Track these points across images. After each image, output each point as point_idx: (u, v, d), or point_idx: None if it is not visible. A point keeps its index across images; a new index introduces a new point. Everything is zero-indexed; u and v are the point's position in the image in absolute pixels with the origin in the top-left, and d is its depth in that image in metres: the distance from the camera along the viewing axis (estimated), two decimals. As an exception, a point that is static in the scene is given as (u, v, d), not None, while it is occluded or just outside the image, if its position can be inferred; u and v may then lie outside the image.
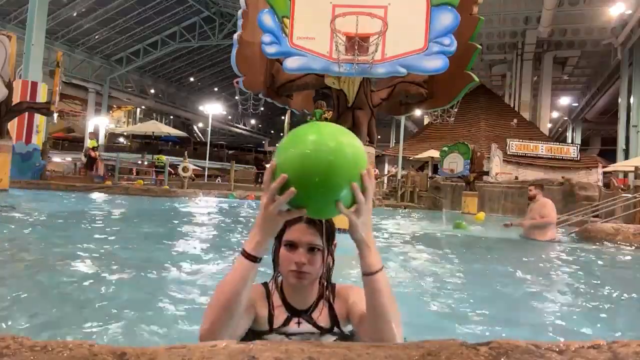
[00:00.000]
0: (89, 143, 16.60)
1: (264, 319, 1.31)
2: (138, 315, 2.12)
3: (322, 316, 1.33)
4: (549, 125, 38.19)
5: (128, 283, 2.78)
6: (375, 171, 14.72)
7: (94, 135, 18.87)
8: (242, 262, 1.08)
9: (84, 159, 17.12)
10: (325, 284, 1.36)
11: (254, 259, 1.08)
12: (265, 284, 1.40)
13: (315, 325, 1.31)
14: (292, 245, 1.27)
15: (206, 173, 26.00)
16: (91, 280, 2.72)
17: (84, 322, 1.94)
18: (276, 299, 1.35)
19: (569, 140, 42.68)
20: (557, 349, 0.82)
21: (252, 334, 1.29)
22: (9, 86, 9.80)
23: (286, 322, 1.31)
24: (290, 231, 1.28)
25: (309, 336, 1.30)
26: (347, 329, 1.34)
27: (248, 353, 0.81)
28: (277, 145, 1.11)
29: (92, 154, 16.04)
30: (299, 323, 1.31)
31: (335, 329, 1.32)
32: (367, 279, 1.10)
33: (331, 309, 1.34)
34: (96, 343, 0.84)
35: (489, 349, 0.83)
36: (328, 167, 0.98)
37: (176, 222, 7.31)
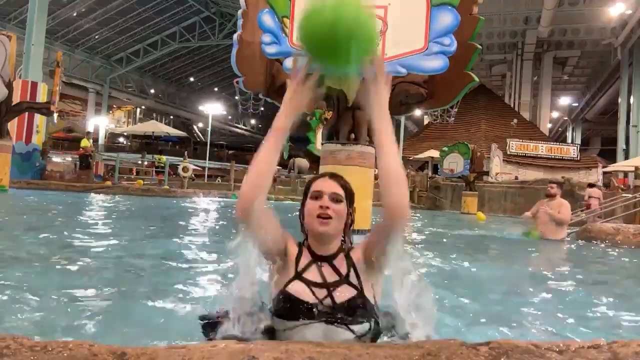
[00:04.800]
0: (83, 142, 16.09)
1: (292, 257, 1.45)
2: (138, 315, 2.12)
3: (342, 265, 1.43)
4: (549, 125, 38.21)
5: (128, 283, 2.78)
6: (375, 171, 14.72)
7: (89, 134, 18.43)
8: (274, 134, 1.39)
9: (69, 159, 16.55)
10: (345, 239, 1.49)
11: (284, 129, 1.39)
12: (300, 244, 1.53)
13: (335, 269, 1.42)
14: (318, 196, 1.44)
15: (206, 173, 26.00)
16: (91, 280, 2.72)
17: (84, 322, 1.94)
18: (304, 251, 1.48)
19: (569, 140, 42.71)
20: (557, 349, 0.82)
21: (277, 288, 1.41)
22: (9, 86, 9.80)
23: (309, 265, 1.43)
24: (315, 184, 1.48)
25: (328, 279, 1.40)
26: (365, 274, 1.43)
27: (248, 353, 0.81)
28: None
29: (87, 152, 15.65)
30: (321, 266, 1.42)
31: (352, 273, 1.41)
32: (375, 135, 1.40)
33: (348, 258, 1.46)
34: (96, 343, 0.84)
35: (489, 349, 0.83)
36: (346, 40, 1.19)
37: (176, 222, 7.31)
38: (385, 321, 1.38)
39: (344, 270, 1.41)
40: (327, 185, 1.46)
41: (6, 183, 10.00)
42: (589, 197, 12.30)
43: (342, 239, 1.49)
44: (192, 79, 42.49)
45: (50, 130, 28.96)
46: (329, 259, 1.44)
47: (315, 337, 1.26)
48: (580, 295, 3.16)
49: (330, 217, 1.40)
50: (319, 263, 1.43)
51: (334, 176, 1.51)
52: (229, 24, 30.89)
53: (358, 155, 5.90)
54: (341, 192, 1.46)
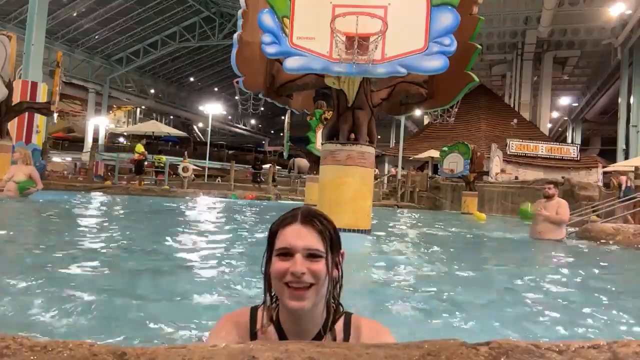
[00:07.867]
0: (138, 147, 17.40)
1: None
2: (138, 315, 2.12)
3: None
4: (549, 125, 38.18)
5: (128, 283, 2.78)
6: (375, 171, 14.76)
7: (142, 140, 19.91)
8: None
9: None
10: (333, 306, 1.09)
11: None
12: (254, 310, 1.12)
13: None
14: (287, 253, 1.01)
15: (206, 173, 25.99)
16: (91, 280, 2.73)
17: (84, 322, 1.94)
18: (268, 334, 1.07)
19: (569, 140, 42.67)
20: (557, 349, 0.82)
21: None
22: (9, 86, 9.79)
23: None
24: (282, 235, 1.03)
25: None
26: None
27: (248, 353, 0.81)
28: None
29: (141, 157, 16.74)
30: None
31: None
32: None
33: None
34: (96, 343, 0.84)
35: (489, 349, 0.83)
36: None
37: (176, 222, 7.31)
38: None
39: None
40: (298, 237, 1.01)
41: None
42: None
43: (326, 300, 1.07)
44: (192, 79, 42.51)
45: (50, 130, 28.98)
46: None
47: None
48: (580, 295, 3.16)
49: (306, 288, 0.99)
50: None
51: (307, 219, 1.04)
52: (229, 24, 30.91)
53: (358, 155, 5.90)
54: (319, 244, 1.01)
